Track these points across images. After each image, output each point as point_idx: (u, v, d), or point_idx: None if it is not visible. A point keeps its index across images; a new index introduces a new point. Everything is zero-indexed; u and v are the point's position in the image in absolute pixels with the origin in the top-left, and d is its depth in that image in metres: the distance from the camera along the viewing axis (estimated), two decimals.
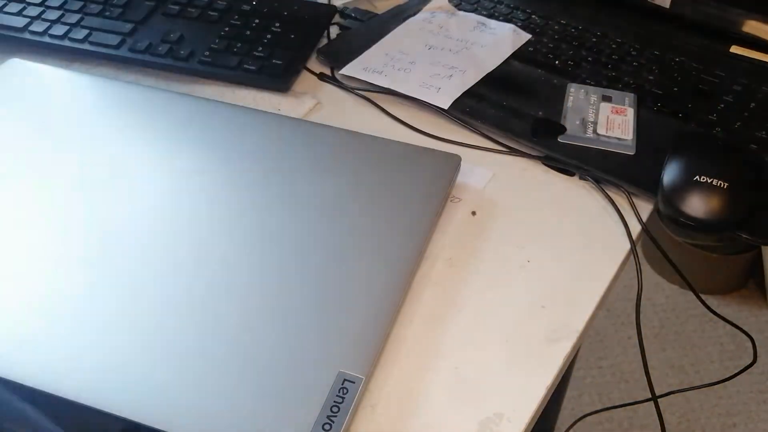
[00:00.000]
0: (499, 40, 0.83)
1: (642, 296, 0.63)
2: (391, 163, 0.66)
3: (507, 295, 0.58)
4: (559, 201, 0.67)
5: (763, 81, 0.79)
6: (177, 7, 0.85)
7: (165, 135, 0.68)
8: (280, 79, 0.77)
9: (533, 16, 0.89)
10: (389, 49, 0.81)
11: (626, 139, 0.70)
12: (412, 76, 0.77)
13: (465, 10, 0.89)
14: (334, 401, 0.49)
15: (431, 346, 0.54)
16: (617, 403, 1.16)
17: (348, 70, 0.79)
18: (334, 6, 0.88)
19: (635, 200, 0.66)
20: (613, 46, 0.84)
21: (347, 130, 0.69)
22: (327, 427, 0.47)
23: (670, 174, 0.64)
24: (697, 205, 0.62)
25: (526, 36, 0.85)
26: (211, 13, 0.84)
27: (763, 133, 0.72)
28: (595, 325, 0.56)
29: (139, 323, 0.53)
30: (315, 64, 0.82)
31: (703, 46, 0.84)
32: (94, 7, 0.84)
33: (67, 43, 0.80)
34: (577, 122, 0.72)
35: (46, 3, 0.84)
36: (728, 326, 0.79)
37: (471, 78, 0.77)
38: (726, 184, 0.62)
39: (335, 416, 0.48)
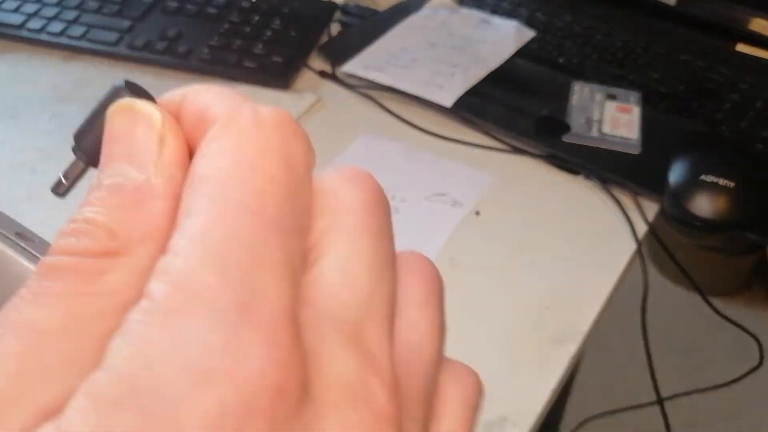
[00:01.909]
0: (503, 38, 0.82)
1: (647, 297, 0.62)
2: None
3: (511, 296, 0.57)
4: (563, 200, 0.66)
5: None
6: (176, 4, 0.84)
7: None
8: (280, 77, 0.76)
9: (537, 14, 0.88)
10: (391, 46, 0.80)
11: (631, 138, 0.69)
12: (415, 73, 0.76)
13: (468, 7, 0.88)
14: None
15: None
16: (622, 406, 1.15)
17: (349, 67, 0.78)
18: (335, 3, 0.87)
19: (641, 200, 0.65)
20: (618, 43, 0.83)
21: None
22: None
23: (676, 173, 0.63)
24: (703, 205, 0.61)
25: (530, 33, 0.83)
26: (210, 10, 0.83)
27: None
28: (599, 326, 0.56)
29: None
30: (316, 62, 0.81)
31: (709, 44, 0.83)
32: (92, 4, 0.83)
33: (64, 40, 0.80)
34: (582, 121, 0.71)
35: (43, 0, 0.83)
36: (734, 328, 0.78)
37: (474, 76, 0.76)
38: (732, 184, 0.62)
39: None
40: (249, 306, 0.13)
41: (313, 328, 0.14)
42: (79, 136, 0.17)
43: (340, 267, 0.15)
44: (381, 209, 0.16)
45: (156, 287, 0.13)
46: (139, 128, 0.15)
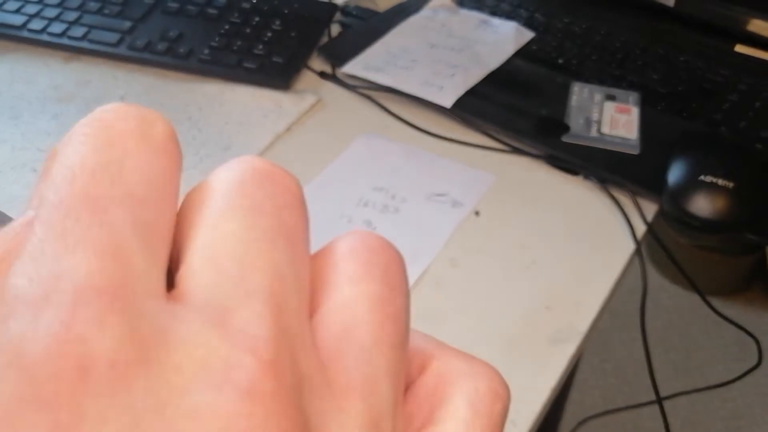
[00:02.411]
0: (502, 38, 0.82)
1: (646, 298, 0.62)
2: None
3: (511, 296, 0.58)
4: (562, 201, 0.66)
5: None
6: (176, 5, 0.84)
7: None
8: (280, 77, 0.76)
9: (536, 14, 0.88)
10: (391, 47, 0.81)
11: (630, 138, 0.69)
12: (414, 74, 0.76)
13: (467, 8, 0.88)
14: None
15: None
16: (621, 406, 1.15)
17: (349, 68, 0.78)
18: (335, 4, 0.87)
19: (640, 200, 0.65)
20: (617, 44, 0.83)
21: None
22: None
23: (675, 173, 0.64)
24: (702, 205, 0.61)
25: (530, 34, 0.84)
26: (211, 11, 0.84)
27: None
28: (599, 326, 0.56)
29: None
30: (316, 62, 0.81)
31: (708, 44, 0.84)
32: (93, 5, 0.83)
33: (65, 41, 0.80)
34: (581, 121, 0.71)
35: (45, 1, 0.84)
36: (733, 328, 0.78)
37: (474, 76, 0.76)
38: (732, 184, 0.62)
39: None
40: (53, 289, 0.12)
41: (171, 314, 0.12)
42: None
43: (202, 252, 0.13)
44: (260, 184, 0.14)
45: None
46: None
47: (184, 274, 0.13)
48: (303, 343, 0.13)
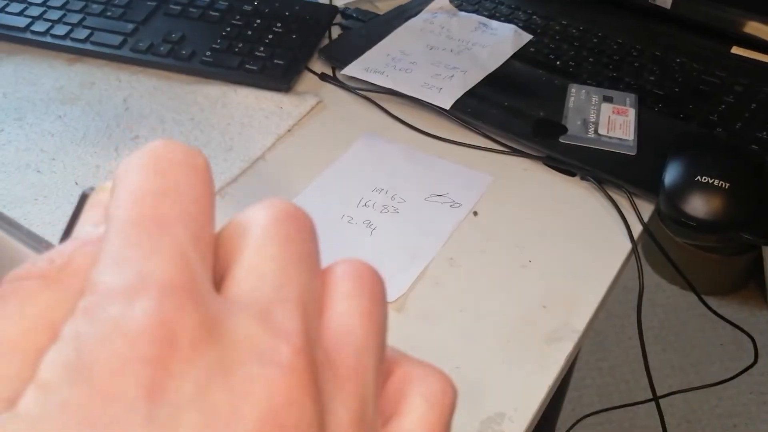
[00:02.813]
0: (501, 41, 0.83)
1: (643, 297, 0.63)
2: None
3: (508, 296, 0.58)
4: (560, 201, 0.67)
5: (763, 81, 0.79)
6: (178, 8, 0.85)
7: None
8: (281, 79, 0.77)
9: (534, 17, 0.89)
10: (390, 49, 0.81)
11: (627, 140, 0.70)
12: (414, 76, 0.77)
13: (466, 11, 0.89)
14: None
15: (433, 346, 0.54)
16: (618, 404, 1.16)
17: (349, 70, 0.79)
18: (336, 6, 0.88)
19: (636, 200, 0.66)
20: (614, 46, 0.84)
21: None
22: None
23: (671, 174, 0.64)
24: (698, 206, 0.62)
25: (528, 36, 0.85)
26: (213, 14, 0.84)
27: (764, 133, 0.72)
28: (595, 325, 0.57)
29: None
30: (317, 64, 0.82)
31: (704, 46, 0.84)
32: (96, 7, 0.84)
33: (68, 43, 0.80)
34: (579, 122, 0.72)
35: (48, 3, 0.84)
36: (729, 327, 0.79)
37: (472, 78, 0.77)
38: (727, 185, 0.62)
39: None
40: (141, 285, 0.15)
41: (225, 308, 0.16)
42: (64, 239, 0.20)
43: (247, 265, 0.17)
44: (290, 222, 0.18)
45: (81, 302, 0.15)
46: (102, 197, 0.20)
47: (231, 283, 0.17)
48: (317, 340, 0.17)
